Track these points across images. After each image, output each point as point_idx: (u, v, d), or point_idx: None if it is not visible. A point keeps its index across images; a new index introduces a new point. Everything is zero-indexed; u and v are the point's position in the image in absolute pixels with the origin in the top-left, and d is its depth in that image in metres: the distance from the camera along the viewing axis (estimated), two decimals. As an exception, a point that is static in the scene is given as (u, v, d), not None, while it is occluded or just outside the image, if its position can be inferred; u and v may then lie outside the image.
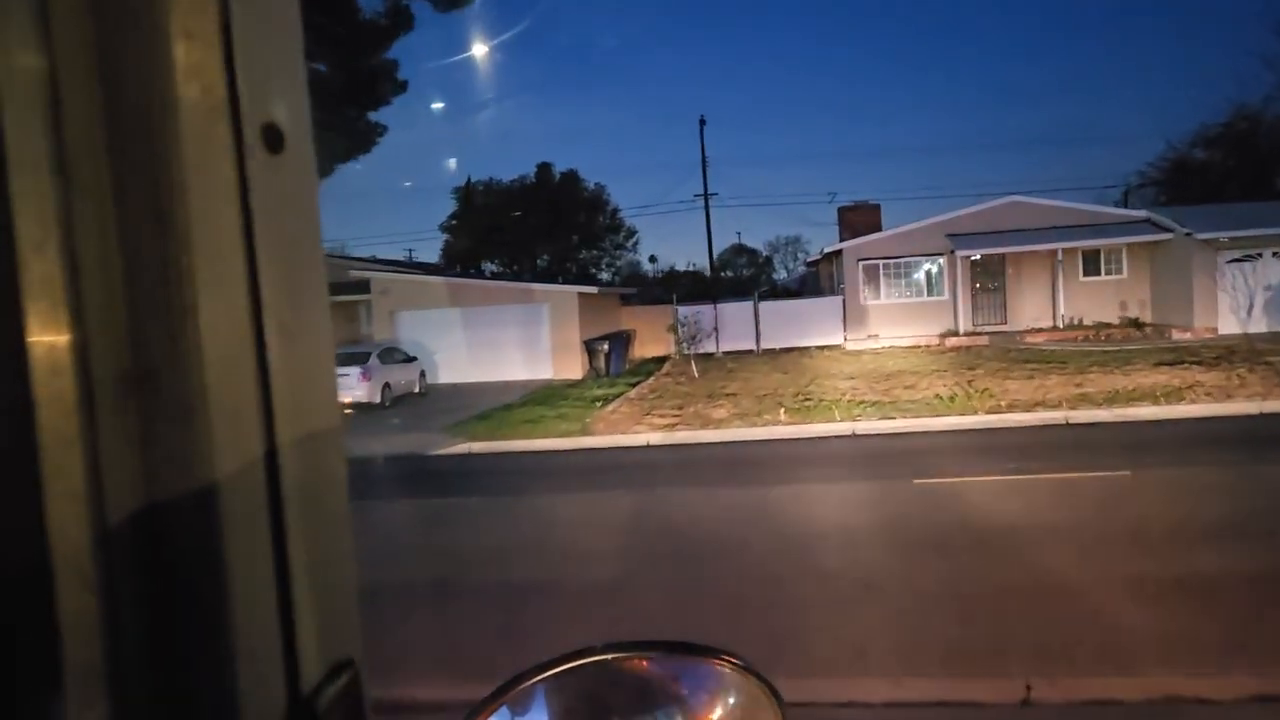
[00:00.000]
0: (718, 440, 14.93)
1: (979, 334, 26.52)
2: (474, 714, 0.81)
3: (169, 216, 0.45)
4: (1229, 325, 23.05)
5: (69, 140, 0.43)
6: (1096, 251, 26.76)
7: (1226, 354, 19.06)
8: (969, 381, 18.16)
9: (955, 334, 26.72)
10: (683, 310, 27.56)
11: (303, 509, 0.52)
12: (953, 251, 26.69)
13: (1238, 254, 23.23)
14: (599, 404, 19.12)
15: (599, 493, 11.53)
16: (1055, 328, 26.20)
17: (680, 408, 17.89)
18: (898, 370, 21.20)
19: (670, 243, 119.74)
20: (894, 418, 15.14)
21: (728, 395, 19.12)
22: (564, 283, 34.07)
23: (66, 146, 0.43)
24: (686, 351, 25.70)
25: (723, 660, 0.88)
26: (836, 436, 14.53)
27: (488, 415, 18.73)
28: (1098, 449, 11.94)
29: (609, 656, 0.88)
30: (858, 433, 14.68)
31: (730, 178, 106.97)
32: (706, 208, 45.94)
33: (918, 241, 27.72)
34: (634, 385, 21.94)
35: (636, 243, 52.51)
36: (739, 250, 68.34)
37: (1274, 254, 23.12)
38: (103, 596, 0.44)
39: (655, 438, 15.27)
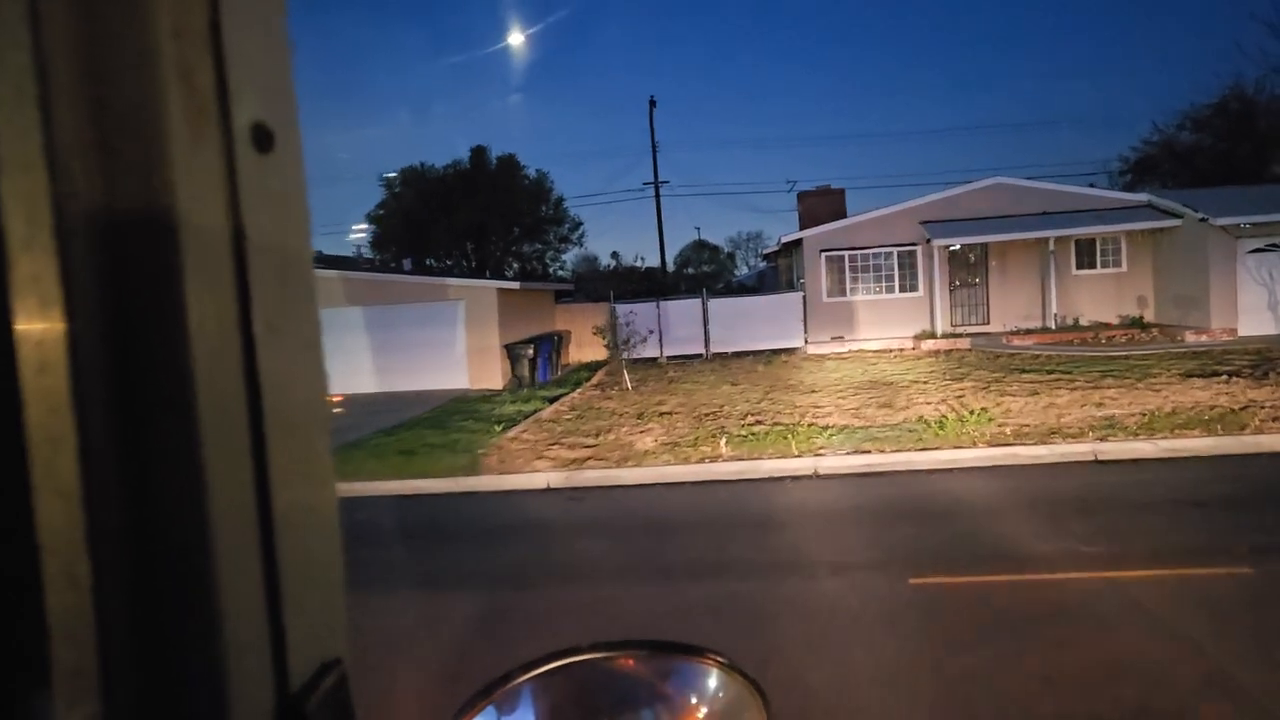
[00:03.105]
0: (635, 482, 11.25)
1: (959, 335, 23.09)
2: (460, 714, 0.82)
3: (158, 216, 0.45)
4: (1252, 326, 19.78)
5: (58, 139, 0.43)
6: (1092, 241, 23.42)
7: (1265, 362, 15.71)
8: (958, 398, 14.64)
9: (932, 335, 23.27)
10: (622, 309, 23.84)
11: (291, 507, 0.52)
12: (928, 240, 23.22)
13: (1260, 243, 19.95)
14: (502, 426, 15.35)
15: (417, 591, 7.76)
16: (1046, 328, 22.83)
17: (599, 433, 14.20)
18: (868, 381, 17.65)
19: (628, 237, 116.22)
20: (868, 450, 11.55)
21: (661, 415, 15.46)
22: (502, 279, 30.19)
23: (55, 145, 0.43)
24: (623, 357, 22.02)
25: (708, 659, 0.89)
26: (792, 478, 10.91)
27: (362, 443, 14.90)
28: (1166, 509, 8.40)
29: (595, 656, 0.89)
30: (820, 472, 11.08)
31: (686, 166, 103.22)
32: (657, 196, 42.31)
33: (888, 230, 24.21)
34: (554, 400, 18.19)
35: (583, 235, 48.75)
36: (700, 246, 64.84)
37: (1301, 242, 19.87)
38: (91, 596, 0.44)
39: (556, 478, 11.55)
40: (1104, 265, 23.52)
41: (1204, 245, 20.28)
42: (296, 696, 0.52)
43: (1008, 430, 11.89)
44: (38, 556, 0.43)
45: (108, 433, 0.45)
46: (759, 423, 13.93)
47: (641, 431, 13.94)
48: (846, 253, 24.56)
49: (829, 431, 12.72)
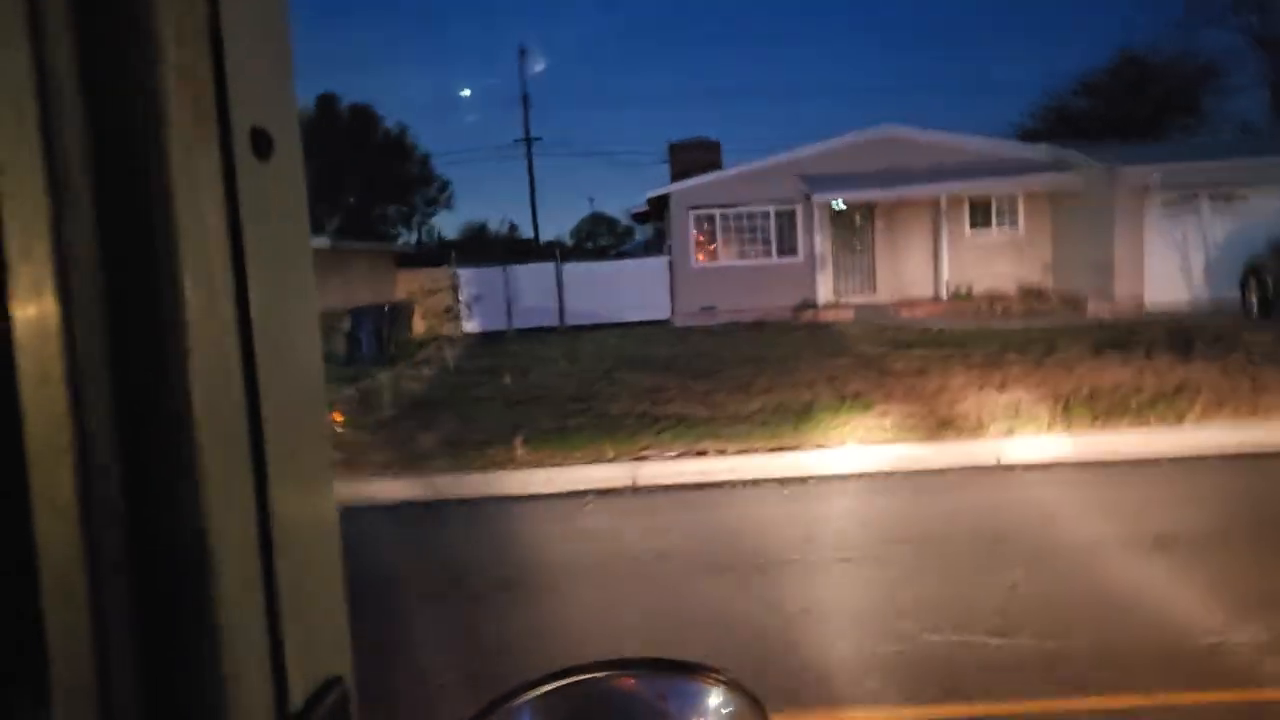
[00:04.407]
0: (405, 498, 8.11)
1: (843, 306, 20.49)
2: None
3: (156, 222, 0.45)
4: (1162, 294, 17.63)
5: (56, 144, 0.43)
6: (987, 202, 21.06)
7: (1185, 335, 13.41)
8: (831, 379, 11.85)
9: (813, 306, 20.61)
10: (464, 275, 20.55)
11: (291, 520, 0.51)
12: (808, 198, 20.49)
13: (1170, 200, 17.79)
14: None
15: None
16: (937, 298, 20.40)
17: (386, 425, 10.98)
18: (733, 358, 14.78)
19: (506, 202, 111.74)
20: (705, 452, 8.62)
21: (473, 403, 12.29)
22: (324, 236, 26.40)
23: (54, 149, 0.43)
24: (450, 332, 18.79)
25: (709, 677, 0.88)
26: (597, 493, 7.90)
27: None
28: (1113, 555, 5.62)
29: (595, 675, 0.88)
30: (639, 484, 8.11)
31: (594, 135, 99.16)
32: (529, 155, 38.89)
33: (766, 185, 21.38)
34: (360, 381, 14.81)
35: (451, 197, 44.93)
36: (597, 219, 61.48)
37: (1213, 200, 17.76)
38: (90, 613, 0.44)
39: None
40: (1001, 227, 21.21)
41: (1109, 204, 18.04)
42: (298, 715, 0.51)
43: (888, 422, 9.10)
44: (36, 572, 0.42)
45: (106, 445, 0.44)
46: (584, 412, 10.88)
47: (436, 425, 10.74)
48: (718, 211, 21.67)
49: (665, 425, 9.75)
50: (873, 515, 6.93)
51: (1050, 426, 8.60)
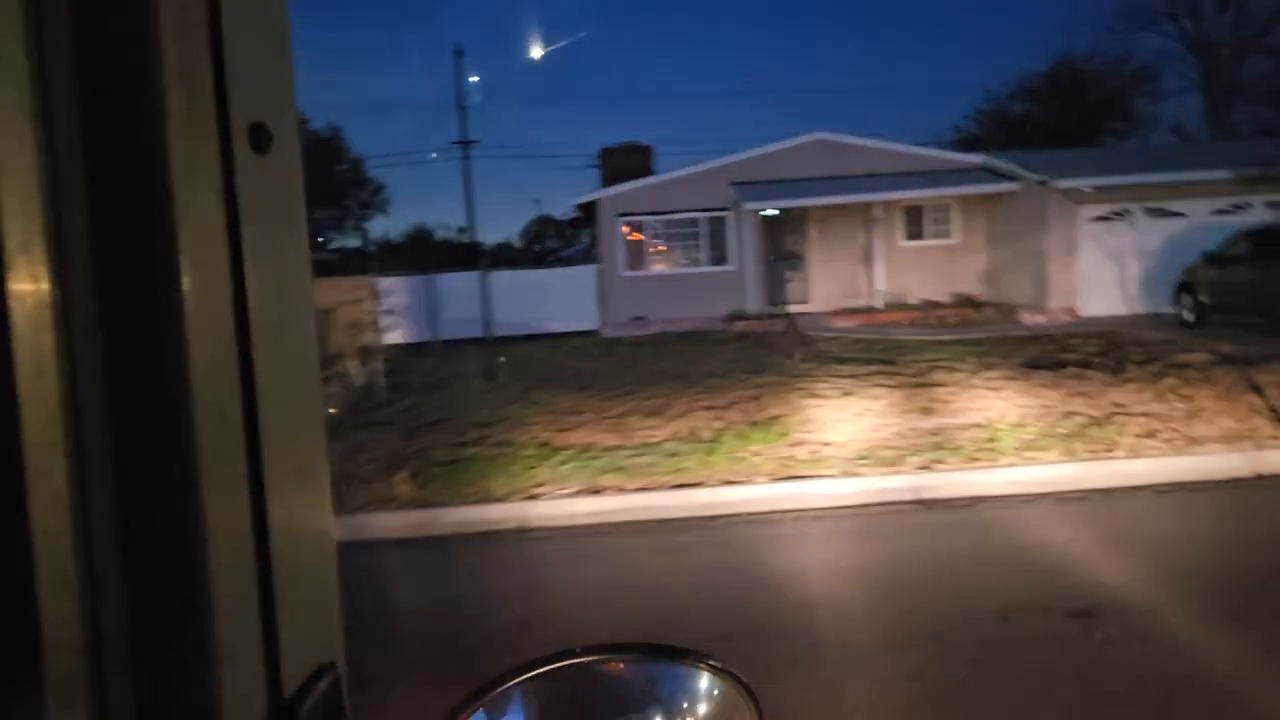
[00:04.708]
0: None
1: (775, 316, 19.92)
2: (450, 717, 0.81)
3: (155, 216, 0.45)
4: (1095, 305, 17.31)
5: (56, 139, 0.43)
6: (920, 210, 20.64)
7: (1115, 349, 13.00)
8: (753, 399, 11.20)
9: (744, 316, 20.01)
10: (391, 285, 19.63)
11: (286, 511, 0.52)
12: (740, 204, 19.89)
13: (1104, 210, 17.48)
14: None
15: None
16: (871, 308, 19.93)
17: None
18: (654, 374, 14.08)
19: (456, 206, 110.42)
20: (602, 490, 7.89)
21: (367, 428, 11.42)
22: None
23: (55, 145, 0.43)
24: (375, 343, 17.82)
25: (701, 663, 0.89)
26: (481, 537, 7.13)
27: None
28: (1028, 626, 4.97)
29: (587, 659, 0.89)
30: (527, 526, 7.36)
31: (525, 129, 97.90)
32: (466, 156, 38.00)
33: (697, 192, 20.75)
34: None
35: (386, 201, 43.74)
36: (544, 222, 60.51)
37: (1147, 210, 17.49)
38: (84, 601, 0.44)
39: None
40: (935, 236, 20.82)
41: (1043, 213, 17.70)
42: (290, 700, 0.51)
43: (801, 453, 8.45)
44: (31, 562, 0.42)
45: (103, 437, 0.44)
46: (484, 440, 10.09)
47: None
48: (648, 218, 20.99)
49: (567, 455, 9.00)
50: (770, 569, 6.24)
51: (976, 457, 8.01)
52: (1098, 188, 17.05)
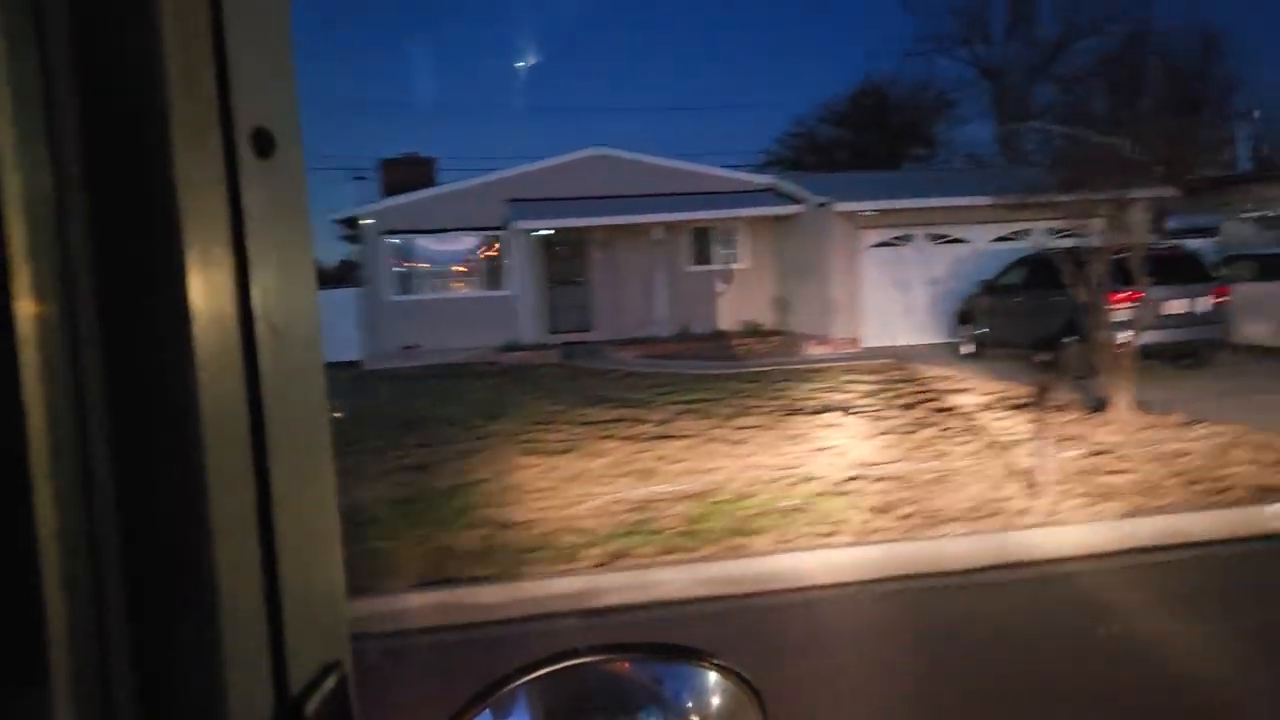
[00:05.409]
0: None
1: (552, 346, 18.30)
2: (456, 718, 0.81)
3: (158, 221, 0.45)
4: (879, 335, 16.50)
5: (60, 143, 0.43)
6: (707, 232, 19.51)
7: (886, 389, 11.97)
8: (466, 454, 9.46)
9: (519, 347, 18.29)
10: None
11: (291, 512, 0.52)
12: (512, 224, 18.20)
13: (886, 235, 16.72)
14: None
15: None
16: (655, 337, 18.59)
17: None
18: (384, 417, 12.13)
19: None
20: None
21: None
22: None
23: (58, 149, 0.43)
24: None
25: (706, 662, 0.88)
26: None
27: None
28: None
29: (592, 659, 0.88)
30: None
31: (333, 141, 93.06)
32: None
33: (473, 210, 18.94)
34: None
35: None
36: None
37: (930, 236, 16.83)
38: (89, 601, 0.44)
39: None
40: (723, 261, 19.72)
41: (828, 238, 16.82)
42: (296, 699, 0.51)
43: (469, 540, 6.73)
44: (36, 562, 0.42)
45: (108, 437, 0.44)
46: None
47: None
48: (419, 238, 19.02)
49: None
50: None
51: (671, 546, 6.49)
52: (879, 211, 16.28)
